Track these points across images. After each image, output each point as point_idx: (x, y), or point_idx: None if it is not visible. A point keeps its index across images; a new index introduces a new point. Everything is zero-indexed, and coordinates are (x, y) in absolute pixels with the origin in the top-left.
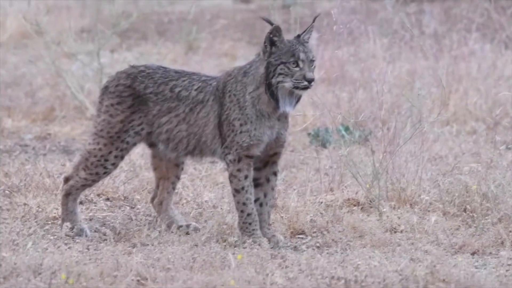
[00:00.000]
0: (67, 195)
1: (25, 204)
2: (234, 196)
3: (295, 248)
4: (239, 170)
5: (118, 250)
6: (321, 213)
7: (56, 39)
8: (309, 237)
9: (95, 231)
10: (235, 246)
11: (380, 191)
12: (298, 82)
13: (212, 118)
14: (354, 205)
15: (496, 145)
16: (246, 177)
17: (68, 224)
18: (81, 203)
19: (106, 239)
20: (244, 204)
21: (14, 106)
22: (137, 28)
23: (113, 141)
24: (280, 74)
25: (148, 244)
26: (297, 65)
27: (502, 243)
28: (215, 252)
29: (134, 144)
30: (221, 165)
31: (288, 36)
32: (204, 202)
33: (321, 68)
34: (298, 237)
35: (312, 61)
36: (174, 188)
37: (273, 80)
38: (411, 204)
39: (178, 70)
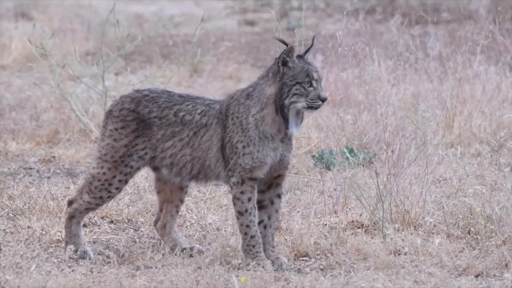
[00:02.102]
0: (70, 218)
1: (29, 227)
2: (237, 218)
3: (299, 271)
4: (242, 192)
5: (121, 273)
6: (325, 235)
7: (61, 62)
8: (313, 260)
9: (98, 254)
10: (238, 269)
11: (384, 213)
12: (313, 102)
13: (215, 141)
14: (358, 227)
15: (501, 168)
16: (249, 199)
17: (71, 247)
18: (85, 225)
19: (109, 262)
20: (247, 226)
21: (18, 129)
22: (142, 51)
23: (117, 165)
24: (294, 94)
25: (151, 267)
26: (311, 85)
27: (506, 265)
28: (218, 274)
29: (138, 169)
30: (225, 187)
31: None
32: (208, 225)
33: (326, 90)
34: (302, 260)
35: (321, 80)
36: (177, 211)
37: (286, 101)
38: (415, 226)
39: (183, 94)
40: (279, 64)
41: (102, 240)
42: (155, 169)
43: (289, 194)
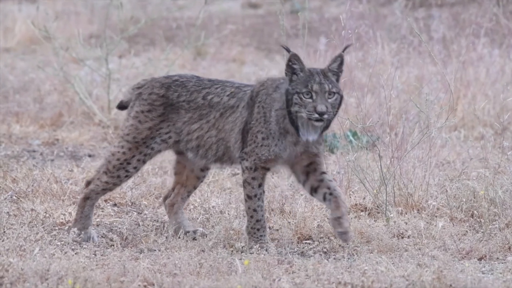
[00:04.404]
0: (85, 198)
1: (32, 209)
2: (245, 201)
3: (302, 254)
4: (253, 178)
5: (125, 256)
6: (328, 219)
7: (65, 45)
8: (316, 243)
9: (102, 237)
10: (242, 252)
11: (387, 196)
12: (310, 114)
13: (239, 123)
14: (362, 211)
15: (504, 151)
16: (260, 185)
17: (76, 229)
18: None
19: (113, 245)
20: (254, 210)
21: (22, 112)
22: (146, 33)
23: (138, 146)
24: (295, 103)
25: (155, 250)
26: (310, 96)
27: (510, 248)
28: (222, 257)
29: (159, 151)
30: (228, 170)
31: (296, 42)
32: (211, 208)
33: None
34: (305, 243)
35: (331, 92)
36: (188, 196)
37: (292, 109)
38: (418, 210)
39: (212, 79)
40: (286, 71)
41: (105, 223)
42: (178, 153)
43: (292, 177)
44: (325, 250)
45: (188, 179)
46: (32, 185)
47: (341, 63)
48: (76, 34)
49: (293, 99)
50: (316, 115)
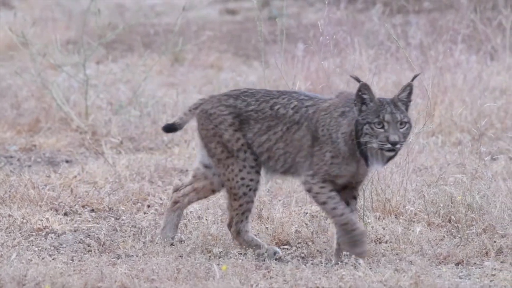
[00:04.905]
0: (237, 233)
1: (9, 215)
2: (323, 209)
3: (280, 259)
4: (322, 187)
5: (102, 261)
6: (306, 224)
7: (42, 51)
8: (294, 248)
9: (79, 243)
10: (220, 257)
11: (365, 201)
12: (382, 144)
13: (306, 144)
14: None
15: (481, 156)
16: (330, 190)
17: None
18: (65, 214)
19: (90, 250)
20: (334, 208)
21: None
22: (123, 39)
23: (235, 160)
24: (366, 134)
25: (132, 255)
26: (382, 126)
27: (487, 253)
28: (199, 263)
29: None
30: None
31: (274, 48)
32: (189, 213)
33: (307, 79)
34: (283, 248)
35: (403, 122)
36: (194, 202)
37: (361, 139)
38: (396, 215)
39: (281, 90)
40: (355, 101)
41: (83, 229)
42: (206, 166)
43: (270, 182)
44: (303, 255)
45: (204, 188)
46: (10, 191)
47: (410, 93)
48: (54, 40)
49: (363, 129)
50: (389, 145)
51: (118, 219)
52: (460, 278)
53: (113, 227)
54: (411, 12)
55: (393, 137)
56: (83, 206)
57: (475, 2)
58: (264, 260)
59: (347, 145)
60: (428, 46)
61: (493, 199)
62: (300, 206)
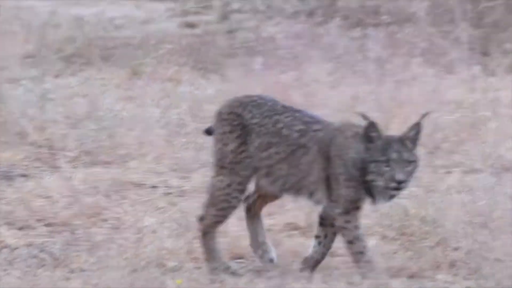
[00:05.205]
0: (204, 234)
1: None
2: (349, 248)
3: (234, 273)
4: (347, 221)
5: (56, 276)
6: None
7: (0, 64)
8: (248, 262)
9: (33, 257)
10: (174, 271)
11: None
12: (387, 183)
13: (317, 171)
14: (294, 229)
15: (436, 169)
16: (356, 227)
17: (212, 264)
18: (20, 228)
19: (44, 265)
20: (360, 253)
21: None
22: (82, 53)
23: (229, 172)
24: (371, 172)
25: (86, 270)
26: (388, 165)
27: (439, 266)
28: (154, 277)
29: (250, 177)
30: (162, 190)
31: (232, 61)
32: (144, 227)
33: (265, 92)
34: (238, 262)
35: (410, 161)
36: (264, 206)
37: (367, 177)
38: None
39: (286, 105)
40: (362, 139)
41: (37, 243)
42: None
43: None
44: (257, 269)
45: (265, 194)
46: None
47: (418, 132)
48: (12, 53)
49: (369, 167)
50: (394, 184)
51: (73, 233)
52: None
53: (67, 241)
54: (369, 25)
55: (398, 176)
56: (38, 221)
57: (433, 15)
58: (219, 275)
59: (355, 168)
60: (385, 60)
61: (447, 212)
62: None
